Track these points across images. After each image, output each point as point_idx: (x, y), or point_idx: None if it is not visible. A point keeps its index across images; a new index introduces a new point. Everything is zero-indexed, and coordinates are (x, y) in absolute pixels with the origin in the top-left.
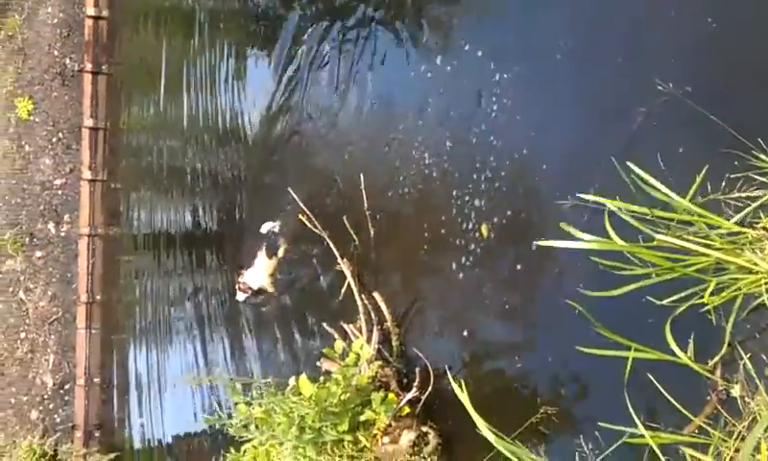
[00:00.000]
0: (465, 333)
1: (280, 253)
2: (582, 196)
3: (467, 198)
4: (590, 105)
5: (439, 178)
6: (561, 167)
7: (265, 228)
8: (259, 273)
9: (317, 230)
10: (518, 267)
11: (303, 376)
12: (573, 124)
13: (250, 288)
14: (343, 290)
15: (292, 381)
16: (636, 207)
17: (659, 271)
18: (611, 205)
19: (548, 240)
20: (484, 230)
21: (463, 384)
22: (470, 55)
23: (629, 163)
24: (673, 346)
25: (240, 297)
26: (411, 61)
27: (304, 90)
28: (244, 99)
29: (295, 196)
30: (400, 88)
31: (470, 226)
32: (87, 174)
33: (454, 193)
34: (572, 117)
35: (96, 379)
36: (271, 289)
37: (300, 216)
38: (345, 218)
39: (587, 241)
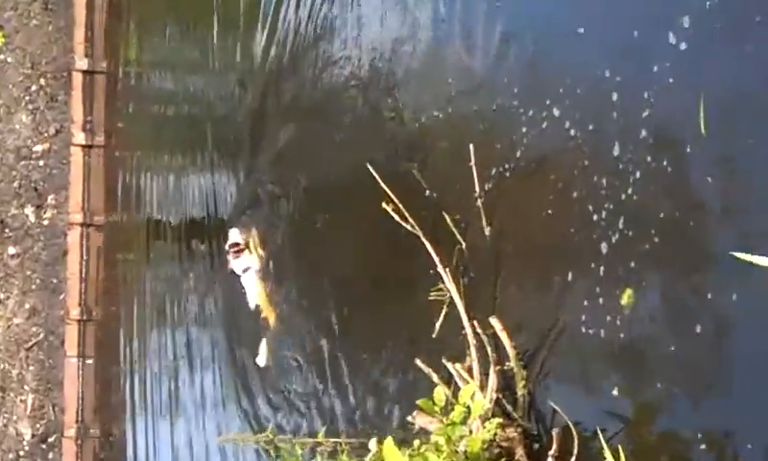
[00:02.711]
0: (615, 392)
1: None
2: None
3: (619, 191)
4: None
5: (582, 151)
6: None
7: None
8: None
9: (408, 226)
10: (688, 301)
11: (389, 440)
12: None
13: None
14: (442, 316)
15: (372, 445)
16: None
17: None
18: None
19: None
20: (626, 296)
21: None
22: None
23: None
24: None
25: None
26: None
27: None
28: (287, 29)
29: (375, 174)
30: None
31: (621, 234)
32: (80, 137)
33: (596, 180)
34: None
35: (92, 430)
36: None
37: (385, 205)
38: (435, 203)
39: None
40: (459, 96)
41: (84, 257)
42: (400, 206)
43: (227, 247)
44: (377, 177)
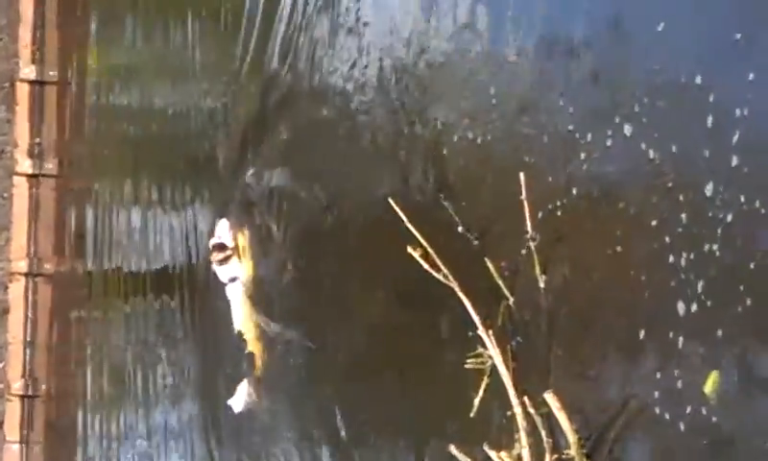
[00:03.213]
0: None
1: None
2: None
3: (704, 237)
4: None
5: (657, 180)
6: None
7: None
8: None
9: (440, 276)
10: None
11: None
12: None
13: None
14: (482, 389)
15: None
16: None
17: None
18: None
19: None
20: (711, 383)
21: None
22: None
23: None
24: None
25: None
26: None
27: None
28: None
29: (399, 211)
30: None
31: (706, 293)
32: (26, 164)
33: (675, 219)
34: None
35: None
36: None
37: (411, 249)
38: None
39: None
40: (504, 112)
41: (30, 316)
42: (430, 250)
43: (210, 245)
44: (402, 214)
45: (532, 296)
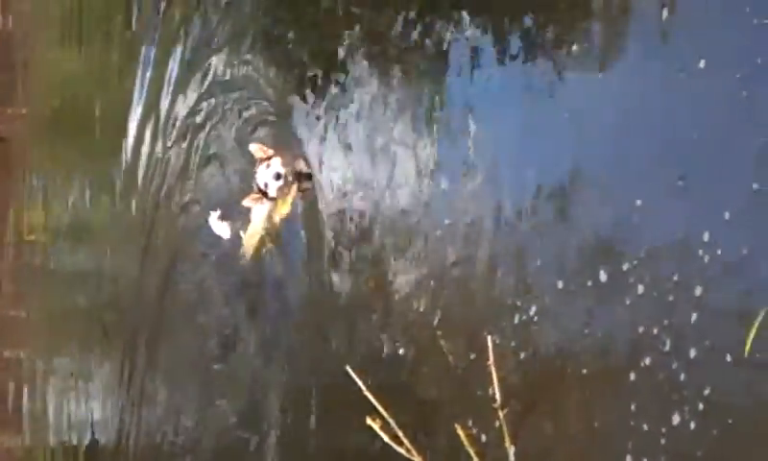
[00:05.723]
0: None
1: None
2: None
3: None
4: None
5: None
6: None
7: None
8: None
9: (402, 450)
10: None
11: None
12: None
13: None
14: None
15: None
16: None
17: None
18: None
19: None
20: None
21: None
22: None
23: None
24: None
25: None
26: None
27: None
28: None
29: (356, 377)
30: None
31: None
32: None
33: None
34: None
35: None
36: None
37: (370, 420)
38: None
39: None
40: (469, 274)
41: None
42: (391, 421)
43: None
44: (360, 382)
45: None
